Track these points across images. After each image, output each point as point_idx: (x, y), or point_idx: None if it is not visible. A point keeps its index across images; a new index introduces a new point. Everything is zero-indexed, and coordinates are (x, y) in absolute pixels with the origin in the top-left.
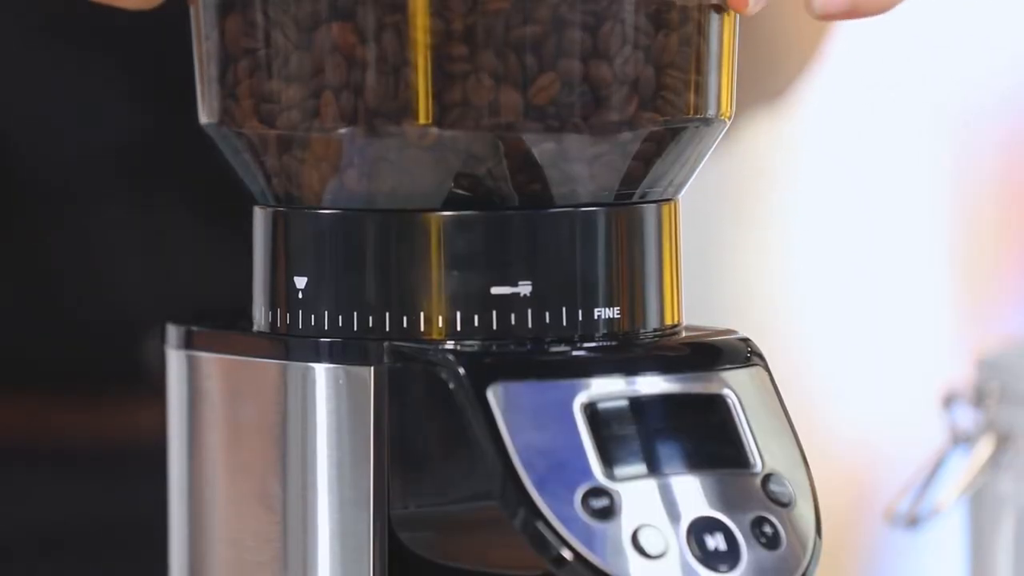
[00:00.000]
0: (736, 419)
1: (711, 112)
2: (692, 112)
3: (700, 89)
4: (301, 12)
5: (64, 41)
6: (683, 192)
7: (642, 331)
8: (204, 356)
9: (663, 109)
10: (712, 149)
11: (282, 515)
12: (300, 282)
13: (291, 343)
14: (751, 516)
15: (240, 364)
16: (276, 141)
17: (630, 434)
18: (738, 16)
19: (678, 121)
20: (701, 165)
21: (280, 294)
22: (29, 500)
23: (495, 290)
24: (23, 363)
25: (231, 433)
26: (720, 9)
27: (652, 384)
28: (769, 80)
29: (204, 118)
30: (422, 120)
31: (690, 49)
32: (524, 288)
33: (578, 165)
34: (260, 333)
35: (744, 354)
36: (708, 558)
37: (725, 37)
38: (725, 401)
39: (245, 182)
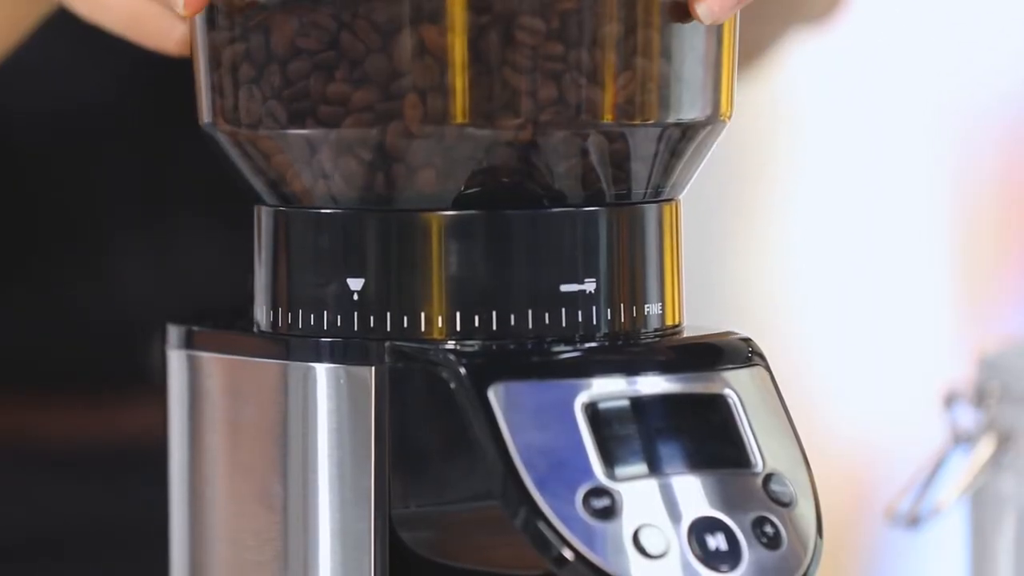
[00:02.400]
0: (737, 419)
1: (719, 112)
2: (705, 112)
3: (711, 88)
4: (379, 12)
5: (67, 41)
6: (684, 192)
7: (643, 331)
8: (205, 356)
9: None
10: (712, 149)
11: (283, 515)
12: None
13: (292, 343)
14: (752, 516)
15: (241, 364)
16: (337, 140)
17: (631, 434)
18: (738, 16)
19: (696, 121)
20: (702, 165)
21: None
22: (29, 500)
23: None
24: (23, 363)
25: (232, 433)
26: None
27: (653, 384)
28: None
29: (206, 118)
30: (519, 119)
31: (704, 48)
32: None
33: (636, 162)
34: (261, 333)
35: (745, 354)
36: (709, 558)
37: (727, 36)
38: (726, 401)
39: (249, 181)
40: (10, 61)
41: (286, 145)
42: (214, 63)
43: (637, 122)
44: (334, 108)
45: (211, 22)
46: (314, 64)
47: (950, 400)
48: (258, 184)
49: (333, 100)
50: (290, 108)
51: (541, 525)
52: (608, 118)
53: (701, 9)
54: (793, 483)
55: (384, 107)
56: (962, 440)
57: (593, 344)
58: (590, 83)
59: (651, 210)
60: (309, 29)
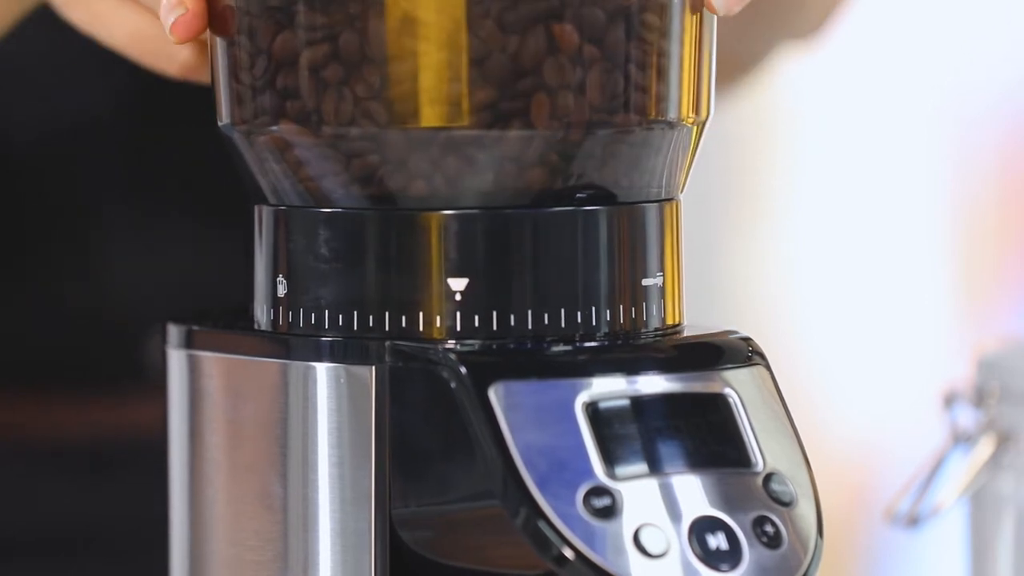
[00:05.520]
0: (737, 418)
1: (700, 113)
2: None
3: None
4: (507, 12)
5: (66, 40)
6: (683, 192)
7: (643, 330)
8: (205, 356)
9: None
10: (696, 150)
11: (283, 514)
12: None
13: (292, 342)
14: (752, 515)
15: (241, 363)
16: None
17: (631, 433)
18: (715, 17)
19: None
20: (703, 165)
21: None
22: (29, 500)
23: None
24: (23, 362)
25: (232, 432)
26: (697, 8)
27: (653, 383)
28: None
29: (226, 119)
30: (638, 115)
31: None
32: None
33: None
34: (261, 332)
35: (745, 353)
36: (710, 557)
37: (705, 38)
38: (726, 400)
39: (261, 182)
40: (3, 64)
41: (376, 146)
42: (279, 64)
43: (703, 118)
44: (447, 108)
45: (287, 24)
46: (421, 64)
47: (950, 400)
48: (285, 186)
49: (447, 100)
50: (392, 109)
51: (541, 525)
52: (692, 114)
53: (716, 1)
54: (793, 483)
55: (508, 106)
56: (962, 440)
57: (593, 343)
58: (681, 80)
59: (651, 210)
60: (419, 28)
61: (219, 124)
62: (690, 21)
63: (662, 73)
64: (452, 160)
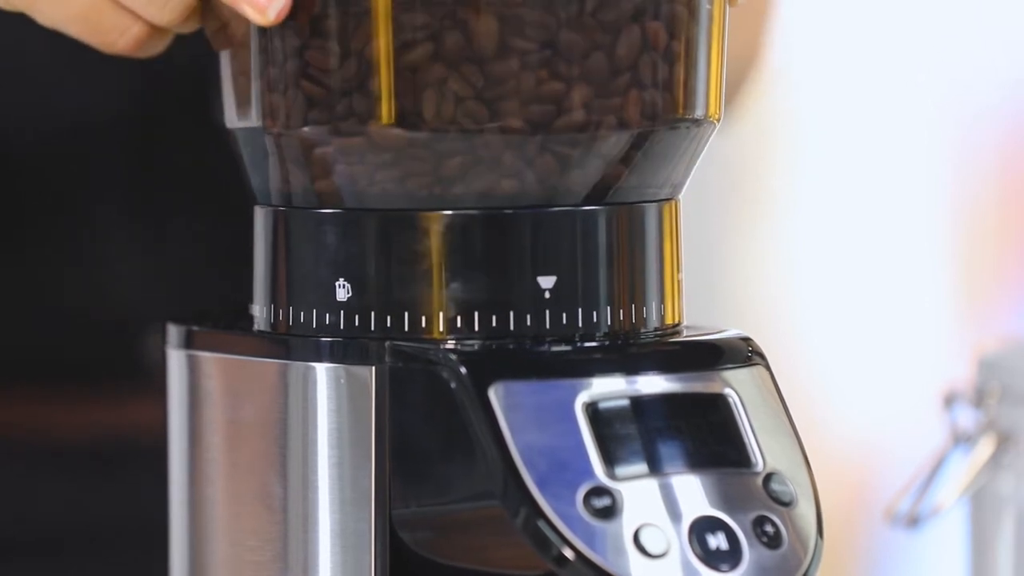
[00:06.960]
0: (737, 418)
1: (706, 112)
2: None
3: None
4: (606, 10)
5: (66, 40)
6: (683, 192)
7: (643, 331)
8: (205, 356)
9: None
10: (698, 149)
11: (283, 515)
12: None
13: (292, 343)
14: (752, 515)
15: (241, 364)
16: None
17: (631, 433)
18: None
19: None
20: (695, 166)
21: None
22: (29, 499)
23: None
24: (23, 362)
25: (232, 433)
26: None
27: (653, 383)
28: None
29: (252, 121)
30: (709, 111)
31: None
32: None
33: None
34: (261, 333)
35: (745, 353)
36: (710, 557)
37: (715, 35)
38: (726, 400)
39: (272, 184)
40: (3, 64)
41: (469, 146)
42: (371, 65)
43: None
44: (546, 107)
45: (381, 25)
46: (524, 62)
47: (950, 400)
48: (299, 187)
49: (547, 99)
50: (492, 108)
51: (541, 525)
52: (718, 110)
53: None
54: (793, 483)
55: (600, 104)
56: (962, 440)
57: (593, 343)
58: (711, 75)
59: (651, 210)
60: (523, 27)
61: (247, 126)
62: (720, 15)
63: (716, 67)
64: (546, 159)
